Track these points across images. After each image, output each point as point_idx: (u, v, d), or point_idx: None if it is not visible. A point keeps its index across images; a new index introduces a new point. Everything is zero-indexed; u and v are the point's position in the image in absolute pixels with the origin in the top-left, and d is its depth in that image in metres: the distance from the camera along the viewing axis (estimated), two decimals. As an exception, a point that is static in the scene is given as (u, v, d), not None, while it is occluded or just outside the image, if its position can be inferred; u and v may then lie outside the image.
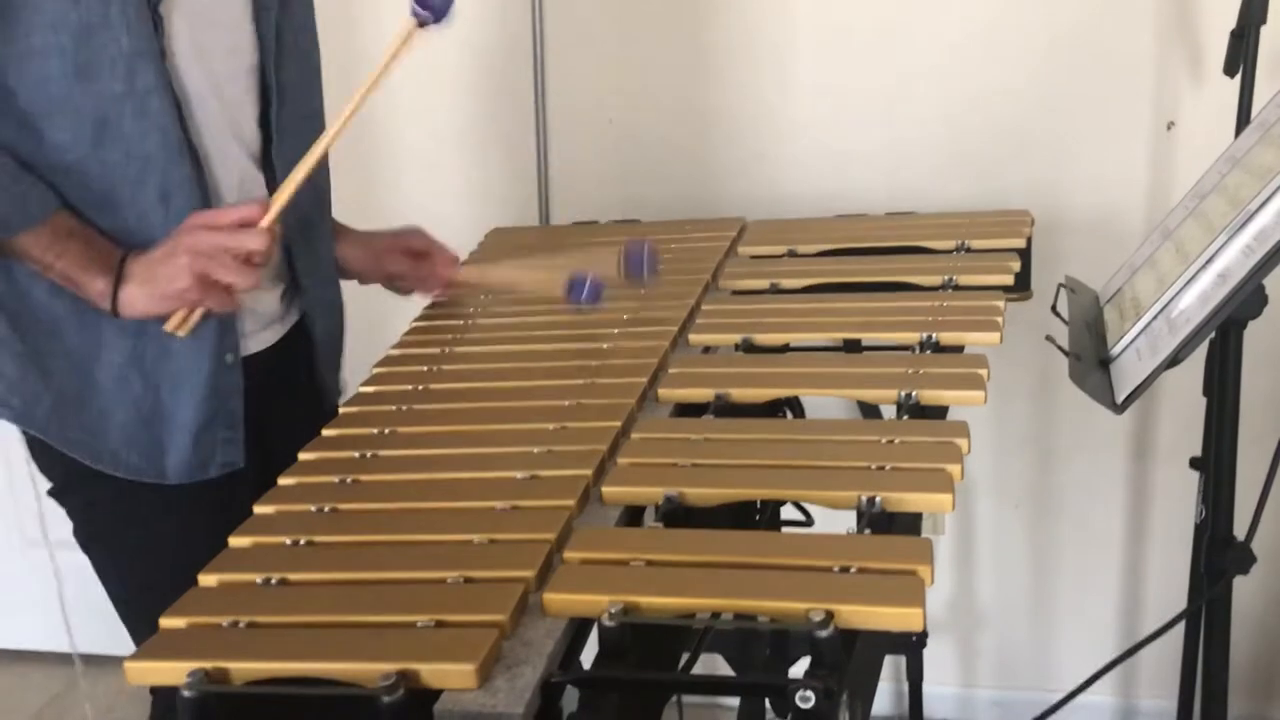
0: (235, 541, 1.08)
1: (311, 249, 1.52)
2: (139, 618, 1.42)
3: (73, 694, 2.21)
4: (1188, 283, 1.44)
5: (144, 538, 1.40)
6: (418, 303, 1.67)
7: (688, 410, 1.32)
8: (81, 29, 1.23)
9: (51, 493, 1.42)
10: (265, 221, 1.28)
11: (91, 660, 2.09)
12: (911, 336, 1.41)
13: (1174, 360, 1.39)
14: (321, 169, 1.52)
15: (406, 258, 1.60)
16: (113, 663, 1.47)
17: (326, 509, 1.12)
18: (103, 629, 1.52)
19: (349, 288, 1.72)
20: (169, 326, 1.30)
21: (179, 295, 1.27)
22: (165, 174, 1.30)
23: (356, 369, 1.48)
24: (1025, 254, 1.67)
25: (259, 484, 1.37)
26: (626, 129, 2.23)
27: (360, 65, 2.23)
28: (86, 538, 1.43)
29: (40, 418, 1.36)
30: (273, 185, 1.41)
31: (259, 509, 1.14)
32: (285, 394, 1.49)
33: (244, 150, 1.40)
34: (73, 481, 1.39)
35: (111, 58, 1.25)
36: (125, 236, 1.30)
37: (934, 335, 1.40)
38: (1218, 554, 1.63)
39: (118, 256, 1.28)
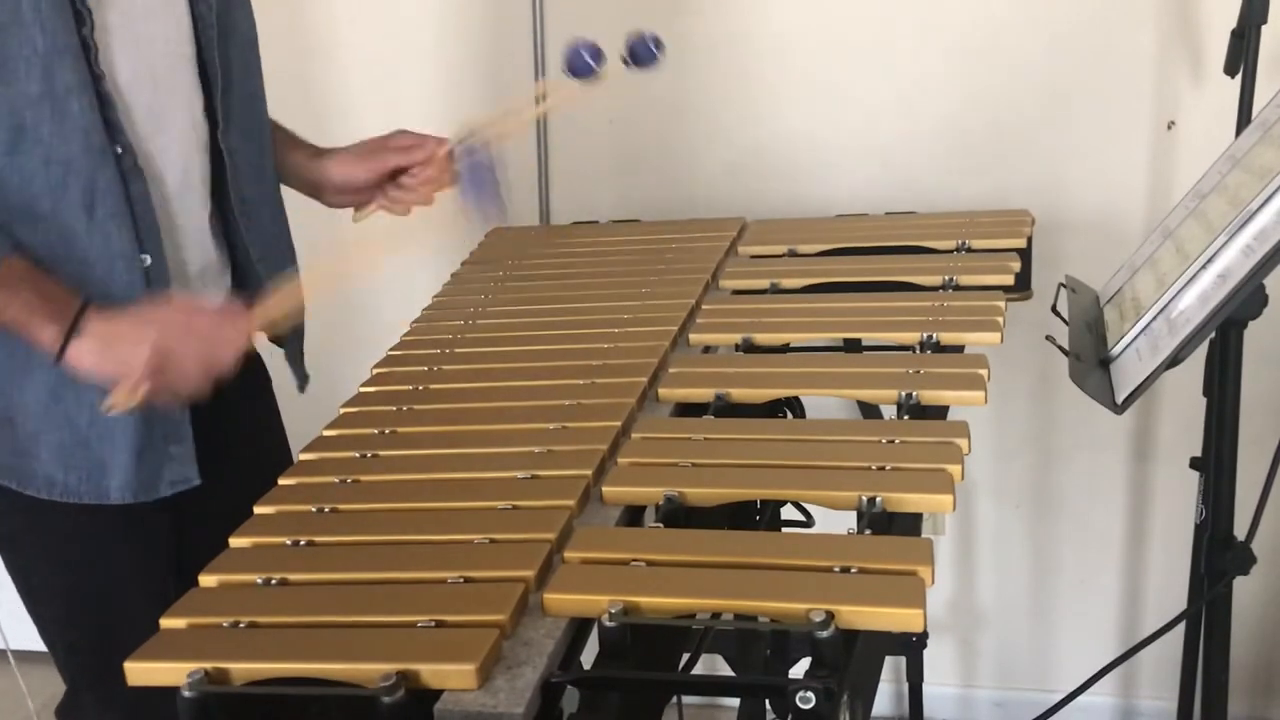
0: (235, 541, 1.08)
1: (277, 250, 1.48)
2: (53, 624, 1.41)
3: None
4: (1188, 283, 1.44)
5: (55, 548, 1.36)
6: (416, 302, 1.67)
7: (688, 410, 1.32)
8: None
9: None
10: (244, 332, 1.25)
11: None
12: (912, 336, 1.41)
13: (1174, 360, 1.39)
14: (269, 160, 1.48)
15: (396, 152, 1.52)
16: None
17: (326, 509, 1.12)
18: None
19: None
20: (108, 403, 1.23)
21: (131, 369, 1.21)
22: (89, 179, 1.24)
23: (356, 369, 1.48)
24: (1025, 254, 1.67)
25: (210, 496, 1.35)
26: (626, 129, 2.23)
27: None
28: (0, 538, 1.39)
29: None
30: (221, 174, 1.38)
31: (259, 509, 1.14)
32: (240, 399, 1.43)
33: (189, 141, 1.35)
34: None
35: (26, 58, 1.19)
36: (47, 252, 1.25)
37: (934, 335, 1.40)
38: (1218, 554, 1.63)
39: (74, 306, 1.22)
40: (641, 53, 1.46)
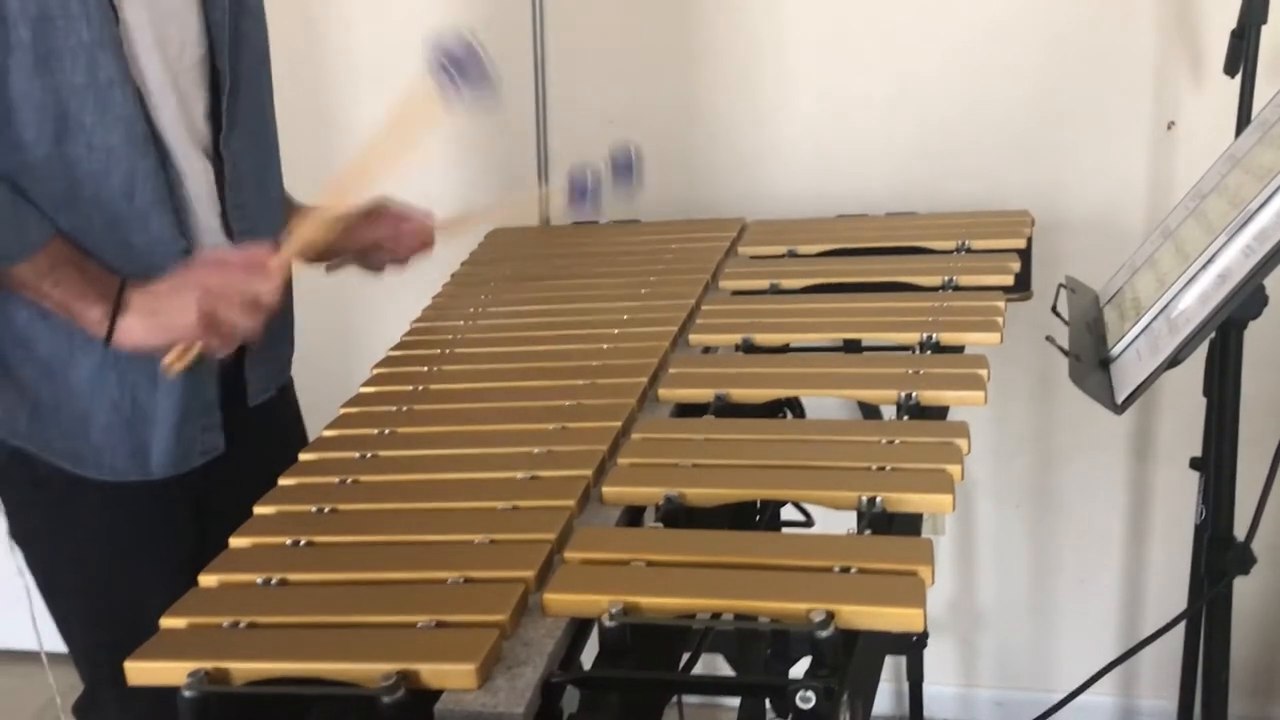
0: (235, 542, 1.08)
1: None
2: (75, 620, 1.42)
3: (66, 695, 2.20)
4: (1188, 283, 1.44)
5: (78, 544, 1.38)
6: (416, 303, 1.67)
7: (688, 410, 1.32)
8: (41, 19, 1.21)
9: None
10: (275, 265, 1.27)
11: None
12: (911, 337, 1.41)
13: (1174, 360, 1.39)
14: (273, 171, 1.49)
15: (381, 224, 1.56)
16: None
17: (326, 509, 1.12)
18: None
19: (341, 289, 1.70)
20: (165, 362, 1.27)
21: (182, 331, 1.25)
22: (130, 166, 1.27)
23: (356, 369, 1.48)
24: (1025, 254, 1.67)
25: (220, 487, 1.37)
26: (626, 129, 2.22)
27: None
28: (21, 535, 1.41)
29: (21, 428, 1.34)
30: (222, 180, 1.39)
31: (259, 509, 1.14)
32: (243, 393, 1.46)
33: (195, 143, 1.37)
34: (9, 479, 1.38)
35: (72, 49, 1.22)
36: (91, 237, 1.28)
37: (934, 335, 1.40)
38: (1218, 554, 1.62)
39: (116, 285, 1.26)
40: (622, 166, 1.56)
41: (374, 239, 1.57)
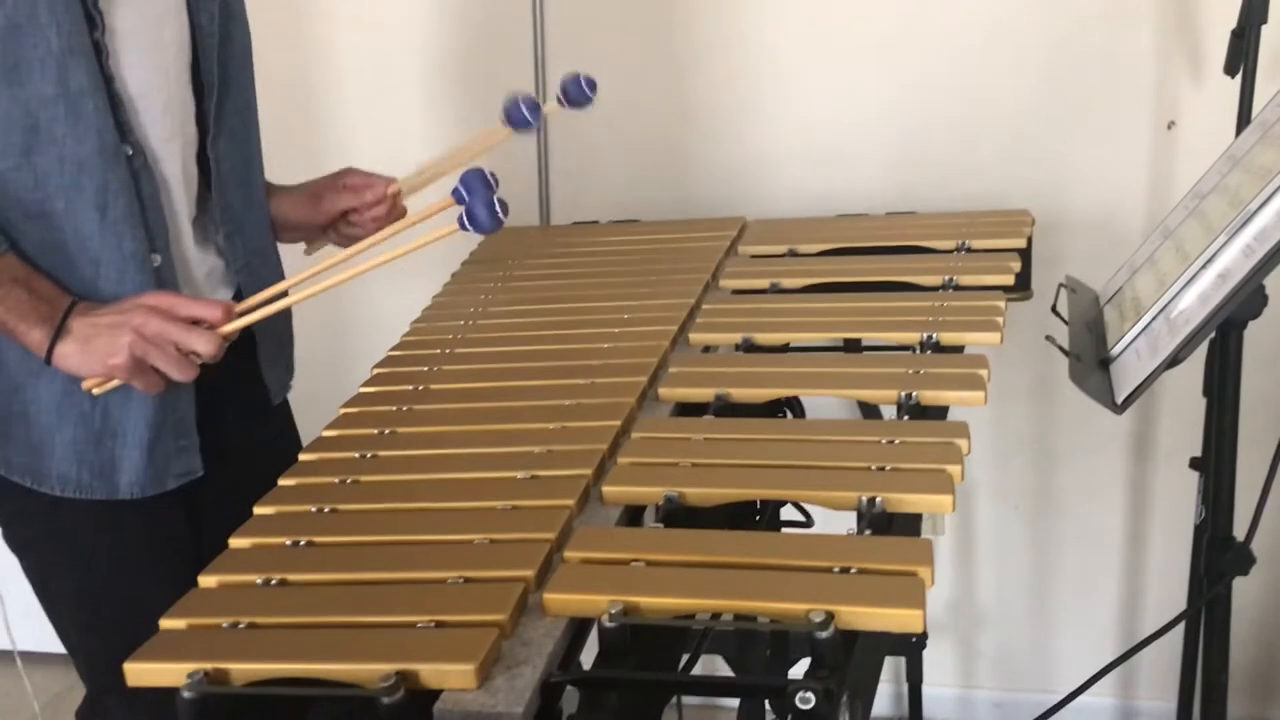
0: (235, 542, 1.08)
1: (260, 261, 1.48)
2: (72, 628, 1.41)
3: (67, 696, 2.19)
4: (1188, 283, 1.44)
5: (72, 551, 1.37)
6: (416, 302, 1.67)
7: (688, 410, 1.32)
8: (8, 29, 1.19)
9: None
10: (225, 330, 1.25)
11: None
12: (912, 336, 1.41)
13: (1174, 360, 1.39)
14: (256, 172, 1.49)
15: (347, 192, 1.55)
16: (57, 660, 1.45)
17: (326, 509, 1.12)
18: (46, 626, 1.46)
19: (339, 289, 1.70)
20: (85, 385, 1.27)
21: (109, 368, 1.23)
22: (102, 179, 1.25)
23: (355, 369, 1.48)
24: (1025, 254, 1.67)
25: (212, 489, 1.36)
26: (626, 129, 2.23)
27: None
28: (16, 544, 1.40)
29: None
30: (208, 181, 1.38)
31: (259, 509, 1.14)
32: (233, 396, 1.45)
33: (185, 147, 1.36)
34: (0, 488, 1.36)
35: (41, 58, 1.20)
36: (59, 250, 1.26)
37: (934, 335, 1.40)
38: (1217, 555, 1.62)
39: (62, 308, 1.24)
40: (574, 93, 1.56)
41: (340, 209, 1.55)
